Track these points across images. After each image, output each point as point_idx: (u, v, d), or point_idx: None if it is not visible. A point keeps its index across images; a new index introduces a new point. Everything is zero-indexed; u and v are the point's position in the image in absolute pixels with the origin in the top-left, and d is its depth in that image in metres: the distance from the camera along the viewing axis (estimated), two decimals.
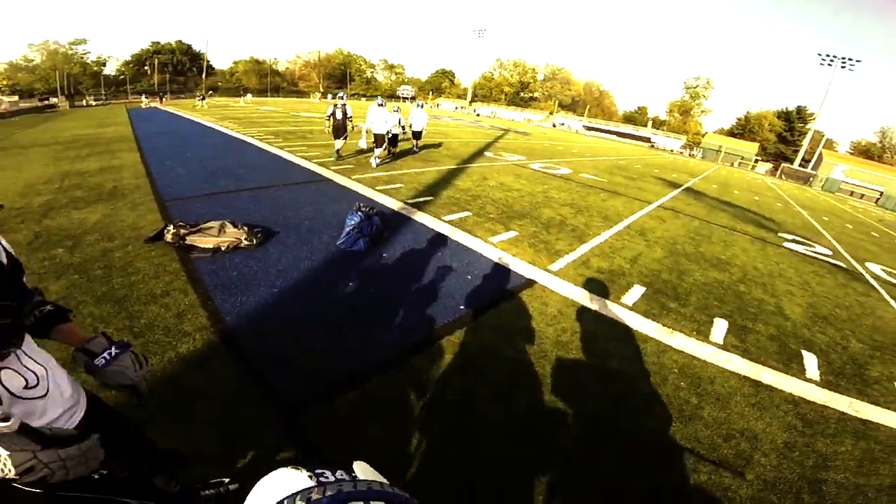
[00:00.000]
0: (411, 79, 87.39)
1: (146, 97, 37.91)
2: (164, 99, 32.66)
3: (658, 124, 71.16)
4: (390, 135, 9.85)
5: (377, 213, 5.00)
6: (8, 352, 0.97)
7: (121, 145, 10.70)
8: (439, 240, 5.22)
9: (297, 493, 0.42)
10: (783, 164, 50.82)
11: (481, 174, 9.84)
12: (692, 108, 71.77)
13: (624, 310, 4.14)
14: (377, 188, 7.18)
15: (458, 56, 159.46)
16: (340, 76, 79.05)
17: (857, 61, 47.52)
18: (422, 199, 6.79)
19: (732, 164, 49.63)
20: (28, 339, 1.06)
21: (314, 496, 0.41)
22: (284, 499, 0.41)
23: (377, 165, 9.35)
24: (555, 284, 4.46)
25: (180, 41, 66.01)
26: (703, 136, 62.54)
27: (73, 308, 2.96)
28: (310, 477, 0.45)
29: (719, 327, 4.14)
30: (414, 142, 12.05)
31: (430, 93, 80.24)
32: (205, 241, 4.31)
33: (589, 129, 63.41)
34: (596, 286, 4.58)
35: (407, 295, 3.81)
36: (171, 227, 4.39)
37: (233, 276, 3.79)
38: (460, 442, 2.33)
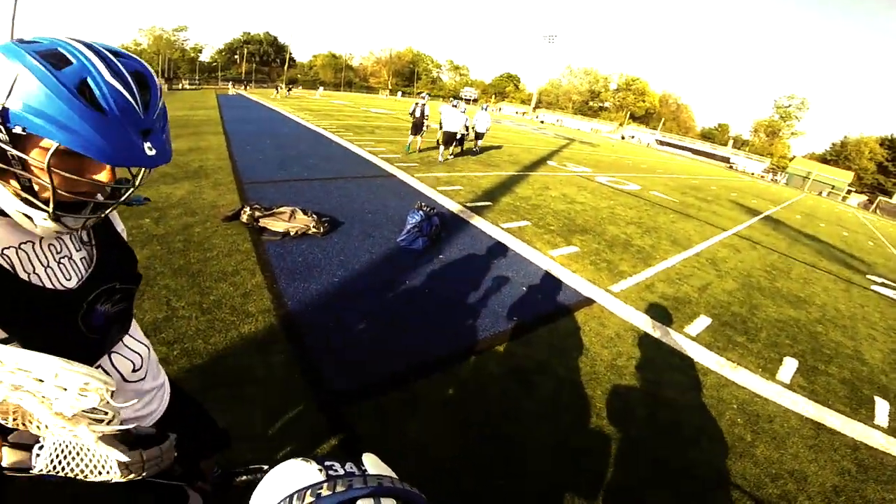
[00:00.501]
0: (475, 81, 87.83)
1: (233, 85, 41.39)
2: (248, 87, 35.28)
3: (739, 144, 65.99)
4: (459, 134, 10.33)
5: (437, 214, 5.03)
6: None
7: (208, 128, 11.68)
8: (496, 247, 5.15)
9: (306, 488, 0.40)
10: (880, 198, 45.12)
11: (543, 183, 9.61)
12: (781, 129, 65.72)
13: (686, 340, 3.85)
14: (438, 188, 7.24)
15: (525, 60, 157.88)
16: (409, 74, 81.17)
17: None
18: (481, 204, 6.74)
19: (820, 194, 44.90)
20: None
21: (324, 492, 0.39)
22: (294, 493, 0.40)
23: (443, 161, 9.96)
24: (615, 306, 4.23)
25: (268, 33, 70.87)
26: (791, 160, 57.13)
27: (151, 279, 3.19)
28: (319, 470, 0.43)
29: (788, 366, 3.78)
30: (476, 142, 12.62)
31: (494, 96, 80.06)
32: (276, 225, 4.56)
33: (662, 143, 60.05)
34: (659, 312, 4.29)
35: (461, 299, 3.79)
36: (246, 209, 4.69)
37: (298, 261, 3.97)
38: (502, 455, 2.27)
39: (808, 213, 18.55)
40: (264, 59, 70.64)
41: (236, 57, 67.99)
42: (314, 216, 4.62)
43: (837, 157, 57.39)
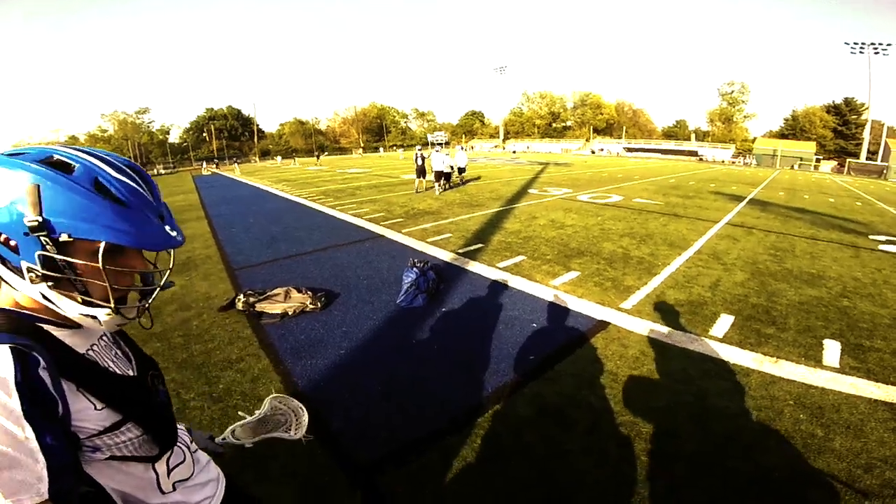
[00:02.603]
0: (443, 124, 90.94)
1: (206, 164, 42.10)
2: (218, 165, 35.50)
3: (701, 136, 68.38)
4: (445, 171, 13.36)
5: (431, 268, 4.96)
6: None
7: (190, 214, 11.73)
8: (497, 288, 5.06)
9: None
10: (849, 160, 46.58)
11: (529, 213, 9.70)
12: (733, 115, 68.57)
13: (714, 342, 3.72)
14: (427, 240, 7.20)
15: (485, 95, 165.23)
16: (377, 129, 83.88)
17: (888, 45, 44.80)
18: (473, 248, 6.70)
19: (792, 167, 46.33)
20: None
21: None
22: None
23: (439, 193, 13.18)
24: (631, 324, 4.11)
25: (231, 106, 72.57)
26: (753, 141, 59.26)
27: None
28: None
29: (831, 349, 3.61)
30: (460, 175, 16.00)
31: (463, 136, 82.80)
32: (273, 308, 4.45)
33: (630, 150, 62.04)
34: (677, 320, 4.18)
35: (473, 349, 3.64)
36: (241, 297, 4.59)
37: (301, 339, 3.85)
38: (553, 499, 2.12)
39: (788, 188, 18.95)
40: (232, 133, 71.97)
41: (205, 135, 69.13)
42: (309, 293, 4.51)
43: (793, 130, 59.48)
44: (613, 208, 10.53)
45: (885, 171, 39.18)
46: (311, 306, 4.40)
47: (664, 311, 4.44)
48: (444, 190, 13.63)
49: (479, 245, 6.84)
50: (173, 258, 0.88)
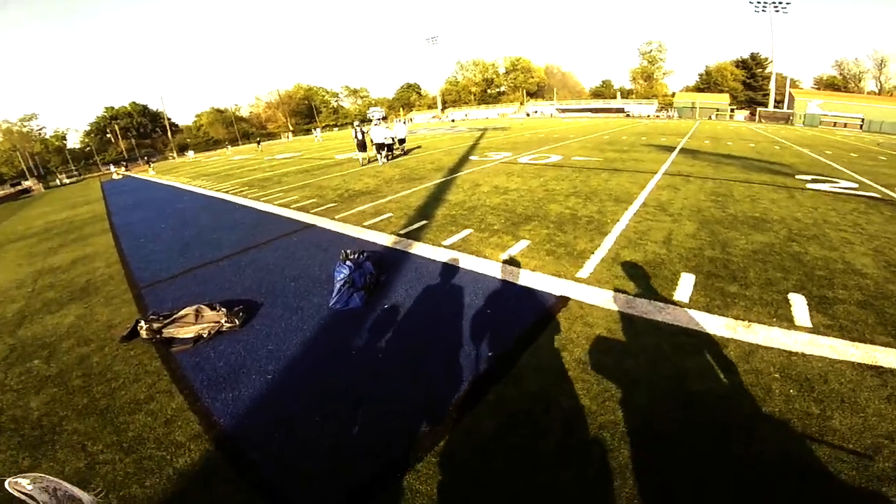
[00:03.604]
0: (378, 99, 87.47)
1: (115, 167, 37.51)
2: (150, 164, 31.90)
3: (626, 94, 71.24)
4: (386, 143, 14.29)
5: (367, 258, 4.38)
6: None
7: (93, 227, 10.10)
8: (445, 271, 4.58)
9: None
10: (759, 109, 50.87)
11: (472, 181, 9.24)
12: (653, 73, 72.16)
13: (681, 310, 3.49)
14: (364, 224, 6.53)
15: (420, 67, 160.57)
16: (307, 111, 79.04)
17: (788, 3, 48.85)
18: (415, 227, 6.14)
19: (710, 118, 49.73)
20: None
21: None
22: None
23: (383, 164, 13.94)
24: (591, 296, 3.82)
25: (134, 102, 65.48)
26: (673, 96, 62.69)
27: (56, 425, 2.75)
28: None
29: (798, 305, 3.48)
30: (400, 147, 16.81)
31: (401, 109, 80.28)
32: (183, 332, 3.72)
33: (563, 111, 63.31)
34: (638, 286, 3.94)
35: (422, 351, 3.16)
36: (142, 323, 3.78)
37: (219, 367, 3.20)
38: None
39: (712, 137, 20.01)
40: (141, 131, 65.05)
41: (109, 136, 61.95)
42: (223, 309, 3.77)
43: (708, 84, 63.93)
44: (555, 168, 10.35)
45: (790, 118, 43.77)
46: (228, 325, 3.68)
47: (623, 276, 4.20)
48: (388, 160, 14.57)
49: (423, 222, 6.29)
50: None
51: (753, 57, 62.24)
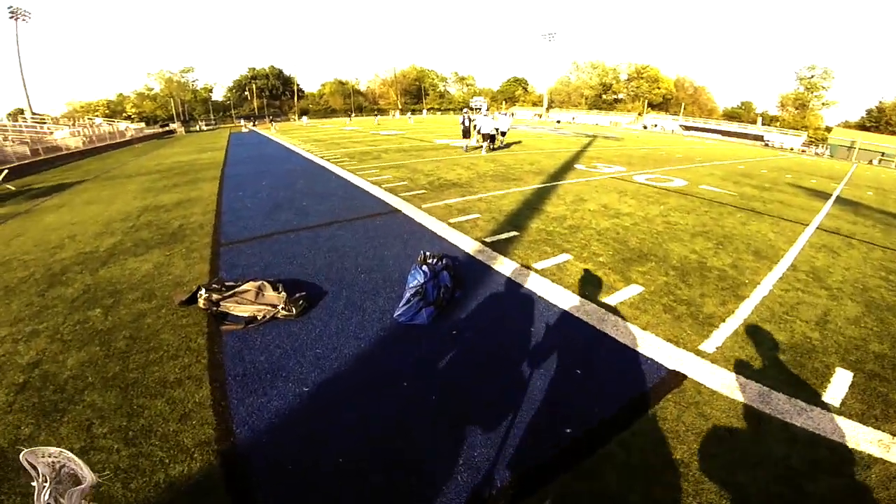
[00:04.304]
0: (483, 89, 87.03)
1: (244, 121, 42.01)
2: (256, 123, 35.07)
3: (768, 120, 62.02)
4: (491, 133, 14.59)
5: (445, 266, 3.78)
6: None
7: (207, 173, 10.99)
8: (531, 303, 3.82)
9: None
10: None
11: (576, 194, 8.20)
12: (810, 101, 61.67)
13: (828, 415, 2.52)
14: (450, 221, 5.97)
15: (530, 62, 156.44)
16: (416, 91, 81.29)
17: None
18: (504, 237, 5.40)
19: (870, 162, 41.16)
20: None
21: None
22: None
23: (486, 153, 14.19)
24: (714, 378, 2.83)
25: (273, 66, 72.28)
26: (828, 131, 53.12)
27: (78, 392, 2.63)
28: None
29: None
30: (501, 139, 16.52)
31: (504, 102, 78.92)
32: (240, 309, 3.49)
33: (687, 128, 56.99)
34: (778, 376, 2.89)
35: (486, 404, 2.50)
36: (202, 291, 3.60)
37: (259, 362, 2.86)
38: None
39: (877, 188, 16.15)
40: (273, 92, 72.00)
41: (247, 93, 69.61)
42: (284, 294, 3.45)
43: (877, 123, 53.28)
44: (678, 195, 8.83)
45: None
46: (285, 312, 3.35)
47: (760, 359, 3.13)
48: (491, 150, 14.91)
49: (513, 233, 5.53)
50: None
51: None
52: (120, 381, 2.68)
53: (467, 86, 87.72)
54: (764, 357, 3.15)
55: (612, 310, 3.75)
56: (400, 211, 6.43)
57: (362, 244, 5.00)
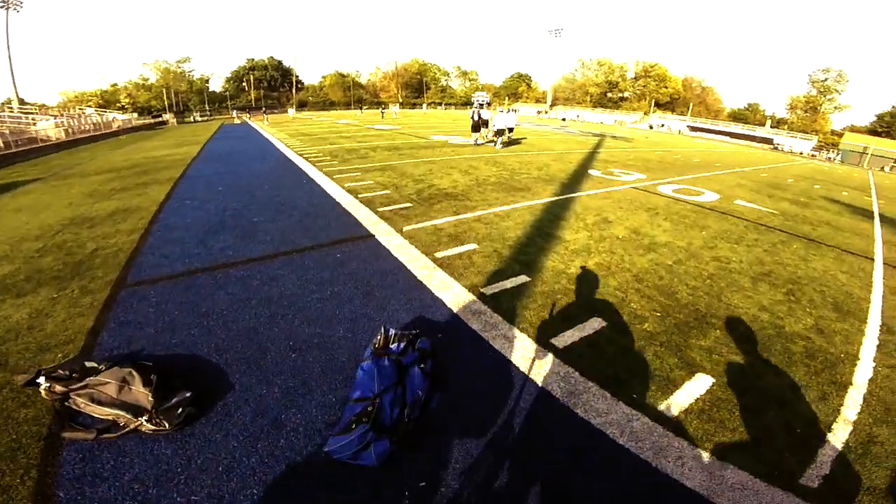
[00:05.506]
0: (485, 84, 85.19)
1: (236, 113, 40.41)
2: (266, 116, 33.59)
3: (775, 122, 60.48)
4: (504, 129, 14.70)
5: (420, 356, 2.40)
6: None
7: (167, 173, 9.56)
8: (554, 418, 2.42)
9: None
10: None
11: (598, 212, 6.72)
12: (821, 105, 60.08)
13: None
14: (437, 254, 4.49)
15: (534, 58, 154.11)
16: (417, 85, 79.45)
17: None
18: (510, 284, 3.92)
19: (882, 169, 39.96)
20: None
21: None
22: None
23: (499, 148, 14.46)
24: None
25: (272, 57, 70.53)
26: (839, 135, 51.65)
27: None
28: None
29: None
30: (508, 134, 15.73)
31: (507, 98, 77.15)
32: (93, 408, 2.19)
33: (694, 129, 55.42)
34: None
35: None
36: (42, 380, 2.28)
37: (105, 500, 1.46)
38: None
39: None
40: (272, 84, 70.18)
41: (244, 84, 67.80)
42: (153, 396, 2.07)
43: (889, 128, 51.78)
44: (716, 215, 7.39)
45: None
46: (152, 427, 1.97)
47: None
48: (506, 145, 15.17)
49: (522, 279, 4.06)
50: None
51: None
52: None
53: (470, 80, 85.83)
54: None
55: (674, 426, 2.36)
56: (372, 236, 4.96)
57: (308, 294, 3.56)
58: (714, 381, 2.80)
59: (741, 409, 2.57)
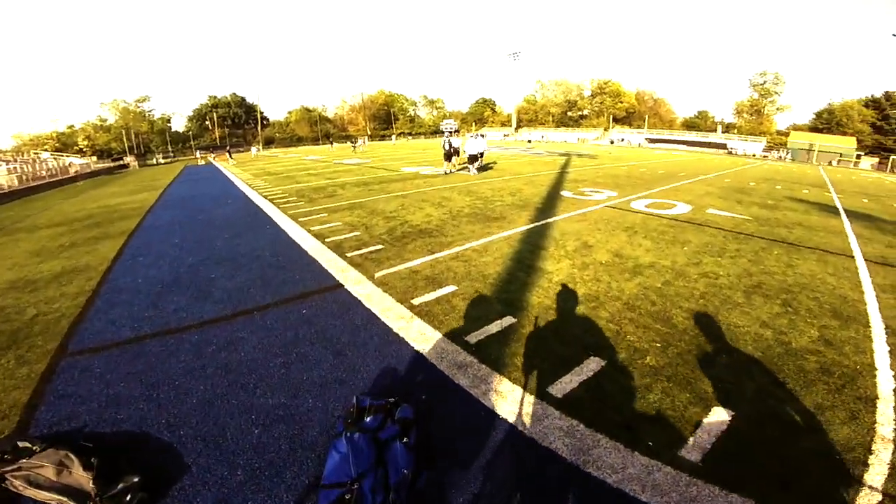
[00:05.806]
0: (453, 112, 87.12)
1: (200, 153, 39.45)
2: (231, 155, 32.50)
3: (725, 128, 64.03)
4: (478, 154, 14.92)
5: (401, 429, 2.05)
6: None
7: (122, 225, 8.92)
8: (566, 480, 2.08)
9: None
10: (893, 157, 42.31)
11: (577, 237, 6.54)
12: (765, 107, 64.14)
13: None
14: (414, 301, 4.12)
15: (497, 83, 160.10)
16: (385, 117, 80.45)
17: None
18: (495, 328, 3.56)
19: (830, 164, 42.54)
20: None
21: None
22: None
23: (475, 174, 14.69)
24: None
25: (234, 94, 69.97)
26: (787, 135, 55.03)
27: None
28: None
29: None
30: (480, 160, 15.60)
31: (474, 124, 79.05)
32: (32, 492, 1.78)
33: (653, 141, 57.89)
34: None
35: None
36: None
37: None
38: None
39: (862, 193, 15.49)
40: (236, 121, 69.43)
41: (207, 123, 66.78)
42: (93, 482, 1.72)
43: (828, 124, 55.68)
44: (694, 228, 7.36)
45: None
46: None
47: None
48: (478, 172, 15.17)
49: (508, 319, 3.74)
50: None
51: (888, 96, 53.57)
52: None
53: (437, 108, 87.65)
54: None
55: (701, 471, 2.06)
56: (342, 286, 4.56)
57: (271, 359, 3.13)
58: (729, 414, 2.53)
59: (769, 441, 2.32)
